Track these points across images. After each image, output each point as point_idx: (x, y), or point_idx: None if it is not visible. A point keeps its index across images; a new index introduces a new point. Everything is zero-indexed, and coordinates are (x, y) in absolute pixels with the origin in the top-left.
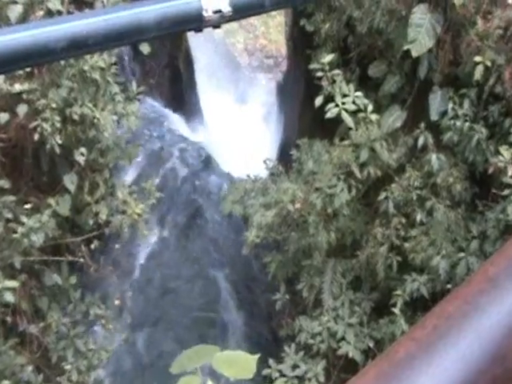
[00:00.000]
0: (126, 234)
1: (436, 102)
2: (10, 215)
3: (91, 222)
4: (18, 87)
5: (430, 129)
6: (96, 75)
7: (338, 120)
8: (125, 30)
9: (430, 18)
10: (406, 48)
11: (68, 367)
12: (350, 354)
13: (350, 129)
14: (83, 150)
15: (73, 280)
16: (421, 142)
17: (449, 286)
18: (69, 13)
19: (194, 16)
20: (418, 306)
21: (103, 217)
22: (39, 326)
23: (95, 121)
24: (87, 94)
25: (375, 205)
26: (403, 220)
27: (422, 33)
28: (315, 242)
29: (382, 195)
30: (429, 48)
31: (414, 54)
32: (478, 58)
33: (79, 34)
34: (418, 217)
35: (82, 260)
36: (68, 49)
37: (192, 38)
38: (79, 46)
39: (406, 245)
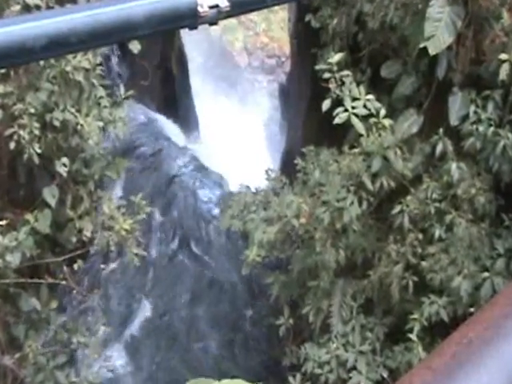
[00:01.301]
0: (113, 253)
1: (456, 104)
2: None
3: (74, 239)
4: None
5: (450, 135)
6: (79, 77)
7: (347, 126)
8: (112, 26)
9: (449, 12)
10: (422, 45)
11: None
12: None
13: (361, 135)
14: (65, 160)
15: (53, 304)
16: (439, 149)
17: (471, 309)
18: (48, 8)
19: (188, 11)
20: (437, 332)
21: (87, 234)
22: (15, 357)
23: (78, 128)
24: (69, 98)
25: (389, 219)
26: (420, 236)
27: (440, 28)
28: (322, 260)
29: (397, 209)
30: (448, 45)
31: (432, 51)
32: (503, 56)
33: (60, 32)
34: (437, 232)
35: (63, 282)
36: (48, 48)
37: (186, 35)
38: (60, 45)
39: (424, 263)
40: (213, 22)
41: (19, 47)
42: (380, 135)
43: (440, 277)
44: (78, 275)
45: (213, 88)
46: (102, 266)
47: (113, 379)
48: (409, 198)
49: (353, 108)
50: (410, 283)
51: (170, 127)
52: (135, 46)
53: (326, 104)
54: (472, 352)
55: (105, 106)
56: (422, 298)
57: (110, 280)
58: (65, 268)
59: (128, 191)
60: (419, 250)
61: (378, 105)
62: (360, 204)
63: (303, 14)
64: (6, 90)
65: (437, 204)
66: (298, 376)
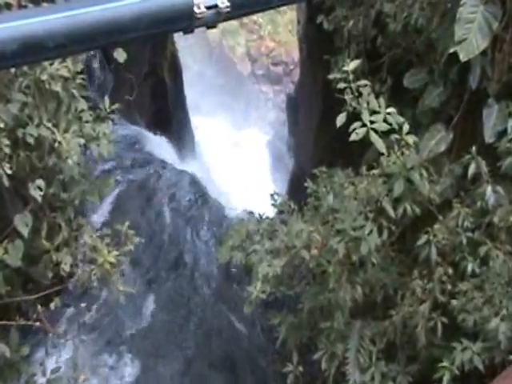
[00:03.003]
0: (95, 290)
1: (491, 118)
2: None
3: (50, 274)
4: None
5: (484, 153)
6: (57, 87)
7: (365, 143)
8: (94, 30)
9: (483, 11)
10: (452, 50)
11: None
12: None
13: (381, 154)
14: (40, 182)
15: (25, 351)
16: (472, 170)
17: (511, 356)
18: (21, 7)
19: (183, 13)
20: (471, 382)
21: (66, 268)
22: None
23: (56, 145)
24: (45, 111)
25: (413, 251)
26: (450, 270)
27: (473, 30)
28: (337, 298)
29: (422, 239)
30: (482, 49)
31: (463, 57)
32: None
33: (35, 35)
34: (470, 266)
35: (37, 324)
36: (20, 53)
37: (180, 40)
38: (35, 50)
39: (454, 302)
40: (211, 25)
41: None
42: (403, 154)
43: (474, 318)
44: (54, 316)
45: (211, 100)
46: (83, 304)
47: None
48: (436, 226)
49: (371, 123)
50: (439, 325)
51: (161, 145)
52: (121, 55)
53: (340, 118)
54: None
55: (86, 121)
56: (453, 342)
57: (91, 321)
58: (39, 307)
59: (113, 218)
60: (449, 287)
61: (400, 119)
62: (380, 233)
63: (314, 14)
64: None
65: (469, 233)
66: None
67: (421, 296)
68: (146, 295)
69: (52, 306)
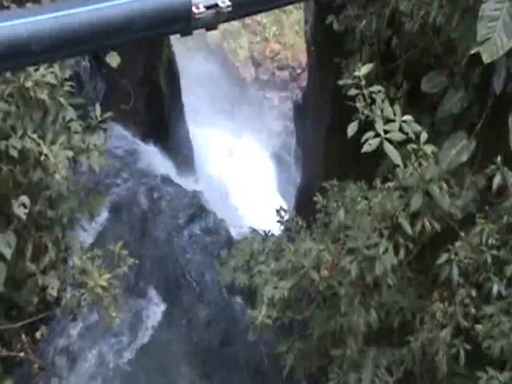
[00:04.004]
0: (85, 316)
1: None
2: None
3: (36, 299)
4: None
5: (510, 164)
6: (43, 95)
7: (379, 154)
8: (84, 32)
9: (509, 8)
10: (474, 51)
11: None
12: None
13: (397, 166)
14: (25, 198)
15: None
16: (497, 182)
17: None
18: (3, 8)
19: (181, 13)
20: None
21: (53, 292)
22: None
23: (42, 158)
24: (30, 121)
25: (433, 271)
26: (473, 292)
27: (497, 29)
28: (349, 323)
29: (443, 258)
30: (507, 50)
31: (487, 58)
32: None
33: (18, 38)
34: (495, 288)
35: (21, 354)
36: (2, 58)
37: (177, 42)
38: (18, 54)
39: (479, 327)
40: (211, 27)
41: None
42: (420, 165)
43: (500, 345)
44: (40, 345)
45: (211, 108)
46: (72, 332)
47: None
48: (458, 244)
49: (386, 132)
50: (462, 352)
51: (157, 156)
52: (113, 59)
53: (352, 127)
54: None
55: (75, 132)
56: (478, 371)
57: (80, 351)
58: (23, 336)
59: (105, 238)
60: (472, 311)
61: (417, 127)
62: (396, 252)
63: (323, 14)
64: None
65: (494, 251)
66: None
67: (441, 320)
68: (141, 320)
69: (38, 334)
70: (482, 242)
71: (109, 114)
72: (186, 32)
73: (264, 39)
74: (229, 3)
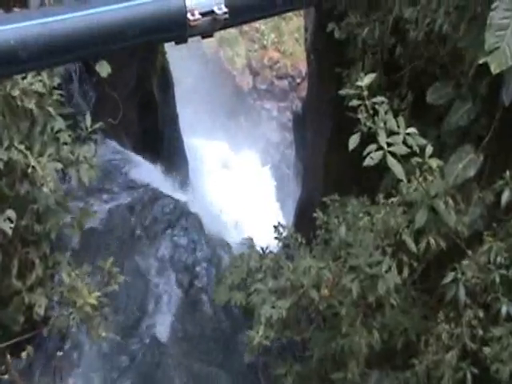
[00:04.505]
0: (74, 336)
1: None
2: None
3: (22, 318)
4: None
5: None
6: (30, 104)
7: (382, 168)
8: (74, 39)
9: None
10: (482, 61)
11: None
12: None
13: (401, 181)
14: (11, 213)
15: None
16: (505, 198)
17: None
18: None
19: (175, 20)
20: None
21: (40, 311)
22: None
23: (29, 170)
24: (17, 132)
25: (438, 291)
26: (481, 313)
27: (506, 38)
28: (351, 344)
29: (449, 277)
30: None
31: (495, 69)
32: None
33: (5, 44)
34: (504, 309)
35: (6, 377)
36: None
37: (172, 50)
38: (5, 62)
39: (486, 350)
40: (207, 34)
41: None
42: (425, 180)
43: (509, 368)
44: (26, 367)
45: (206, 119)
46: (59, 353)
47: None
48: (465, 262)
49: (389, 145)
50: (469, 376)
51: (150, 170)
52: (104, 69)
53: (353, 140)
54: None
55: (64, 143)
56: None
57: (69, 373)
58: (8, 357)
59: (95, 254)
60: (480, 332)
61: (422, 140)
62: (400, 270)
63: (324, 21)
64: None
65: (503, 271)
66: None
67: (447, 342)
68: (132, 341)
69: (23, 355)
70: (489, 261)
71: (99, 125)
72: (180, 39)
73: (262, 47)
74: (225, 10)
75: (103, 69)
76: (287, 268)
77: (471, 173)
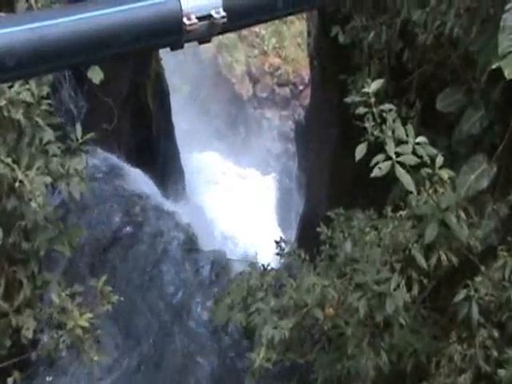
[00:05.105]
0: (64, 360)
1: None
2: None
3: (9, 342)
4: None
5: None
6: (18, 114)
7: (390, 180)
8: (64, 45)
9: None
10: (495, 66)
11: None
12: None
13: (410, 193)
14: None
15: None
16: None
17: None
18: None
19: (171, 25)
20: None
21: (28, 334)
22: None
23: (16, 185)
24: (4, 144)
25: (450, 309)
26: (495, 333)
27: None
28: (357, 367)
29: (461, 294)
30: None
31: (509, 74)
32: None
33: None
34: None
35: None
36: None
37: (167, 56)
38: None
39: (502, 372)
40: (204, 39)
41: None
42: (436, 192)
43: None
44: None
45: (204, 129)
46: (48, 378)
47: None
48: (478, 279)
49: (398, 155)
50: None
51: (144, 182)
52: (95, 74)
53: (360, 150)
54: None
55: (54, 155)
56: None
57: None
58: None
59: (86, 273)
60: (494, 353)
61: (432, 150)
62: (409, 288)
63: (328, 25)
64: None
65: None
66: None
67: (460, 364)
68: (126, 364)
69: (10, 381)
70: (504, 278)
71: (90, 136)
72: (176, 45)
73: (262, 53)
74: (224, 14)
75: (95, 74)
76: (290, 286)
77: (484, 184)
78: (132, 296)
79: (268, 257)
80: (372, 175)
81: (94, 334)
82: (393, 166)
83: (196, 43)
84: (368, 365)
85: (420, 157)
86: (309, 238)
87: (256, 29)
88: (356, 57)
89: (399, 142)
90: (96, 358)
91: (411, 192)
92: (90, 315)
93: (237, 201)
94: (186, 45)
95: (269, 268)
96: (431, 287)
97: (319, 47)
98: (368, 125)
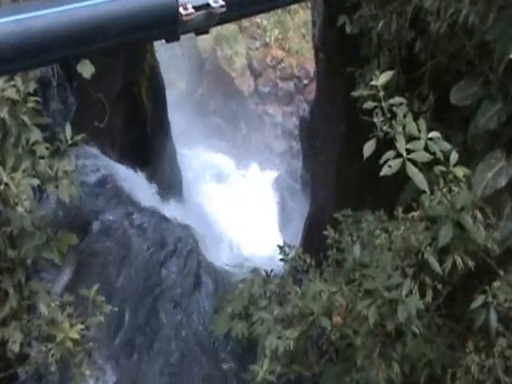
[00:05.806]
0: (53, 376)
1: None
2: None
3: None
4: None
5: None
6: (2, 113)
7: (401, 178)
8: (51, 37)
9: None
10: None
11: None
12: None
13: (422, 192)
14: None
15: None
16: None
17: None
18: None
19: (166, 15)
20: None
21: (15, 347)
22: None
23: (1, 188)
24: None
25: (466, 317)
26: None
27: None
28: (367, 379)
29: (478, 301)
30: None
31: None
32: None
33: None
34: None
35: None
36: None
37: (162, 49)
38: None
39: None
40: (201, 30)
41: None
42: (450, 191)
43: None
44: None
45: (202, 127)
46: None
47: None
48: (496, 284)
49: (409, 152)
50: None
51: (138, 183)
52: (86, 68)
53: (369, 146)
54: None
55: (41, 156)
56: None
57: None
58: None
59: (77, 282)
60: None
61: (446, 146)
62: (422, 294)
63: (334, 14)
64: None
65: None
66: None
67: (477, 376)
68: (120, 374)
69: None
70: None
71: (81, 136)
72: (172, 37)
73: (264, 44)
74: (222, 3)
75: (86, 69)
76: (295, 293)
77: (502, 182)
78: (130, 302)
79: (269, 262)
80: (381, 174)
81: (85, 346)
82: (404, 164)
83: (193, 35)
84: (379, 377)
85: (433, 153)
86: (315, 242)
87: (257, 19)
88: (364, 48)
89: (410, 138)
90: (88, 373)
91: (424, 191)
92: (81, 326)
93: (237, 202)
94: (182, 37)
95: (272, 275)
96: (446, 293)
97: (325, 38)
98: (377, 120)
